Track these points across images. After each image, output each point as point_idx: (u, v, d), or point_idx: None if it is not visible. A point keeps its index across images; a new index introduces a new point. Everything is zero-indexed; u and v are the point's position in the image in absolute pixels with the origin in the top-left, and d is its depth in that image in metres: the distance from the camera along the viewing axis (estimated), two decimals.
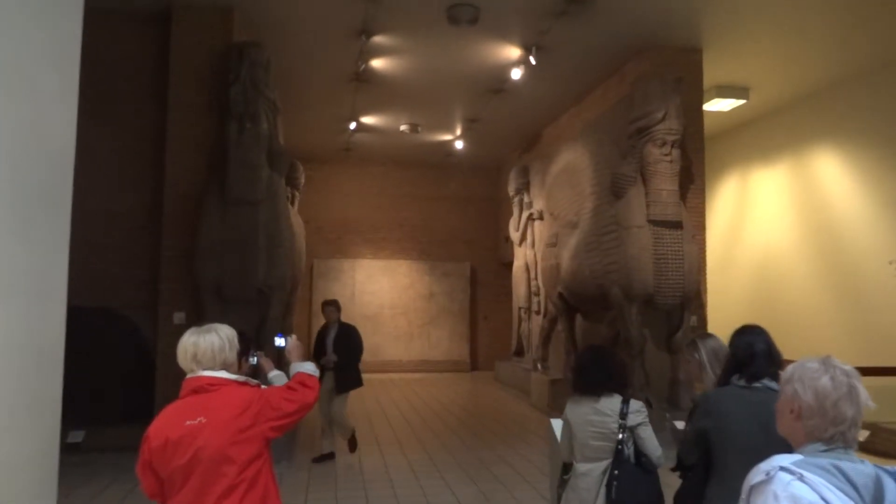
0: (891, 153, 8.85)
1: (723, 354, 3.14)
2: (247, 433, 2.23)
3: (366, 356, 14.80)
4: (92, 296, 7.55)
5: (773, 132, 10.88)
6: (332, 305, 7.06)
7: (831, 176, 9.81)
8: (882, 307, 8.76)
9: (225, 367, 2.36)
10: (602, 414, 3.00)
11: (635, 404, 3.02)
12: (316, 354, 6.85)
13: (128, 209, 7.59)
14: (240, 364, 3.30)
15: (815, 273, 9.94)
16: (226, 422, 2.21)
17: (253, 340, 3.32)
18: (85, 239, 7.70)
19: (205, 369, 2.32)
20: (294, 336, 2.88)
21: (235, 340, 2.43)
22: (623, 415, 2.96)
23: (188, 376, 2.34)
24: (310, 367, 2.60)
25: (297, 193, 11.84)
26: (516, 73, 9.23)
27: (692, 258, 7.54)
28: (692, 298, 7.64)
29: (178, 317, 7.10)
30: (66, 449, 6.64)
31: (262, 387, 2.81)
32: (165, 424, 2.23)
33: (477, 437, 8.20)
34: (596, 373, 3.04)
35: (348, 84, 9.97)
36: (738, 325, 2.80)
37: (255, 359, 3.23)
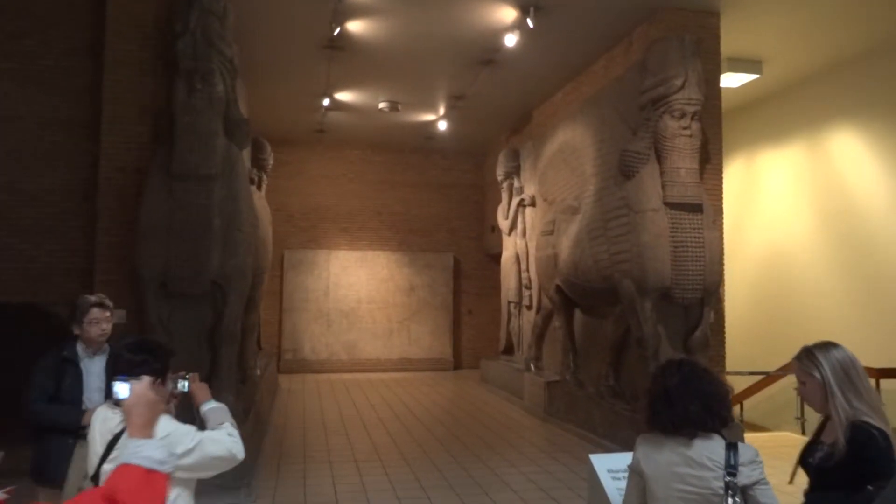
0: None
1: (857, 372, 2.20)
2: None
3: (342, 354, 13.99)
4: (16, 289, 6.44)
5: (786, 110, 10.05)
6: (101, 308, 3.61)
7: (851, 157, 9.01)
8: None
9: None
10: (698, 465, 2.02)
11: (747, 451, 2.03)
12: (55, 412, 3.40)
13: (59, 187, 6.45)
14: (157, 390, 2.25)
15: (833, 264, 9.14)
16: None
17: (174, 355, 2.29)
18: (8, 223, 6.59)
19: None
20: (195, 374, 2.32)
21: None
22: (731, 467, 1.98)
23: None
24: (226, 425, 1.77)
25: (264, 176, 10.78)
26: (510, 40, 8.22)
27: (714, 246, 6.64)
28: (713, 292, 6.75)
29: (118, 315, 5.95)
30: None
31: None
32: None
33: (468, 450, 7.22)
34: (687, 402, 2.04)
35: (321, 52, 8.87)
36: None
37: (186, 383, 2.31)
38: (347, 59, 9.17)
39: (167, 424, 2.09)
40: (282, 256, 13.80)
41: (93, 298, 3.63)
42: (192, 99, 5.59)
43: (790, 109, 9.95)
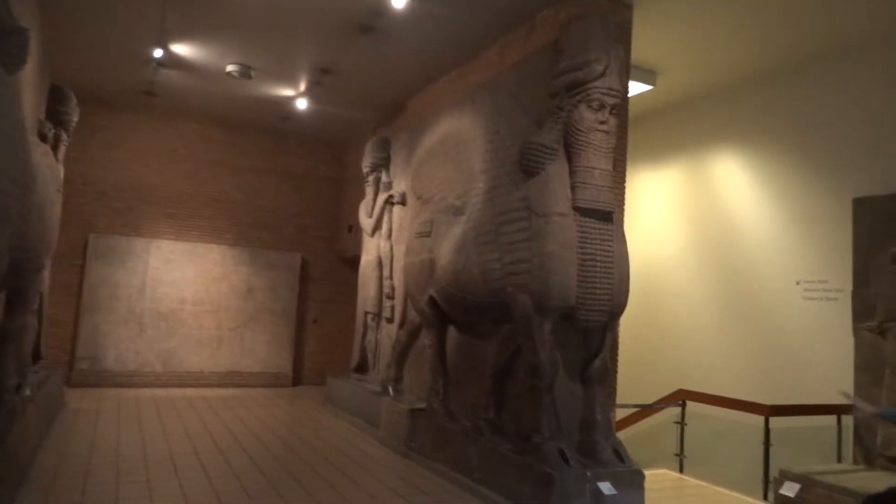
0: (802, 159, 7.94)
1: None
2: None
3: (156, 365, 11.56)
4: None
5: (669, 128, 9.72)
6: None
7: (732, 183, 8.79)
8: (788, 332, 7.77)
9: None
10: None
11: None
12: None
13: None
14: None
15: (710, 293, 8.84)
16: None
17: None
18: None
19: None
20: None
21: None
22: None
23: None
24: None
25: (64, 135, 8.41)
26: (399, 1, 6.90)
27: (623, 262, 5.74)
28: (618, 315, 5.85)
29: None
30: None
31: None
32: None
33: (307, 492, 5.65)
34: None
35: None
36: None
37: None
38: None
39: None
40: (85, 242, 11.20)
41: None
42: None
43: (674, 128, 9.64)
